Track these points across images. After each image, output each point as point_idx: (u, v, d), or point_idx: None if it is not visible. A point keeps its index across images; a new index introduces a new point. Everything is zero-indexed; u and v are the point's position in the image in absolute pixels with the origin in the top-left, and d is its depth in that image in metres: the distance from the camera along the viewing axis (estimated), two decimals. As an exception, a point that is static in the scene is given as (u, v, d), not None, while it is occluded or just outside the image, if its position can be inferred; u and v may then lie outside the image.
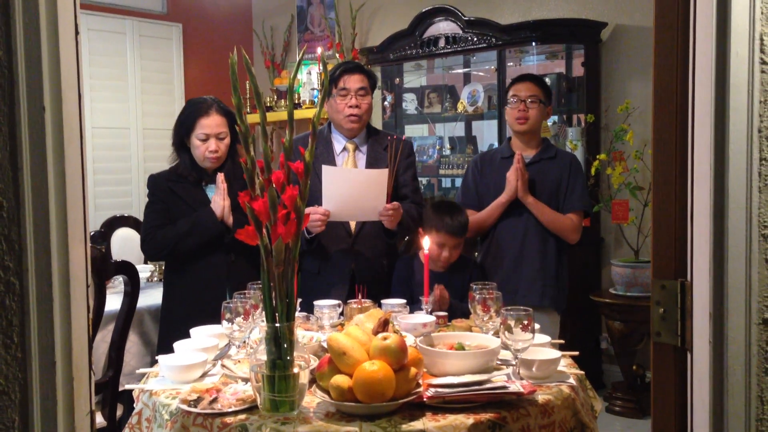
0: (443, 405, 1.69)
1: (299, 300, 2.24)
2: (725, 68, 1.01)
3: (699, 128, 1.07)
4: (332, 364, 1.71)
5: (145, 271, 3.63)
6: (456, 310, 2.57)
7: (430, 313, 2.28)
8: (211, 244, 2.72)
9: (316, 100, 5.54)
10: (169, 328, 2.72)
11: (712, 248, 1.03)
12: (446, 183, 5.16)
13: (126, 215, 4.28)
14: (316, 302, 2.38)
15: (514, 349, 1.89)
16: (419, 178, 3.88)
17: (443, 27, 4.75)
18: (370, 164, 2.85)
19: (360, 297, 2.41)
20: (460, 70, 5.28)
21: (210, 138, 2.74)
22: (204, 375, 2.00)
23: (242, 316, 2.03)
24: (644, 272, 3.93)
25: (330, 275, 2.80)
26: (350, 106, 2.80)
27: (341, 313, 2.39)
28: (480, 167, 3.08)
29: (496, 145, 4.45)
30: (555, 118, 4.53)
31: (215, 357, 2.11)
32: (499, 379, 1.82)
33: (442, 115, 5.11)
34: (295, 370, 1.67)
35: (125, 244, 4.11)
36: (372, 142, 2.91)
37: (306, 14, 6.10)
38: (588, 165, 4.25)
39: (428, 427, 1.60)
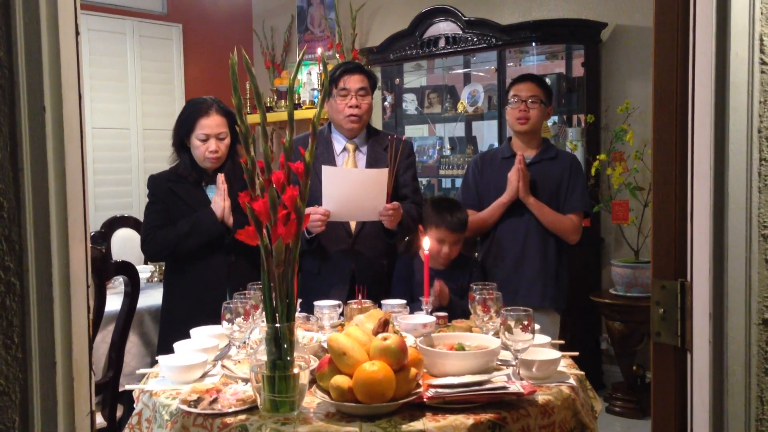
0: (443, 405, 1.69)
1: (299, 300, 2.24)
2: (725, 68, 1.01)
3: (699, 128, 1.07)
4: (332, 364, 1.71)
5: (145, 271, 3.63)
6: (456, 306, 2.58)
7: (430, 313, 2.28)
8: (212, 244, 2.72)
9: (316, 100, 5.54)
10: (169, 328, 2.71)
11: (712, 248, 1.03)
12: (446, 183, 5.16)
13: (126, 216, 4.28)
14: (316, 303, 2.38)
15: (514, 350, 1.89)
16: (419, 179, 3.88)
17: (443, 27, 4.76)
18: (370, 164, 2.85)
19: (360, 297, 2.41)
20: (460, 71, 5.28)
21: (210, 138, 2.74)
22: (204, 375, 2.00)
23: (242, 316, 2.03)
24: (644, 272, 3.93)
25: (330, 275, 2.80)
26: (350, 107, 2.80)
27: (341, 314, 2.39)
28: (480, 167, 3.09)
29: (496, 145, 4.45)
30: (555, 118, 4.53)
31: (215, 357, 2.11)
32: (499, 379, 1.82)
33: (442, 115, 5.11)
34: (295, 370, 1.67)
35: (125, 244, 4.11)
36: (372, 142, 2.91)
37: (306, 14, 6.10)
38: (588, 165, 4.25)
39: (428, 428, 1.60)
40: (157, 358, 2.19)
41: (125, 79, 5.72)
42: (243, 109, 1.69)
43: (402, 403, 1.67)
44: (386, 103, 5.29)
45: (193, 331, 2.27)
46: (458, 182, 4.65)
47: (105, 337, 2.82)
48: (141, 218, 3.21)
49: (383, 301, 2.42)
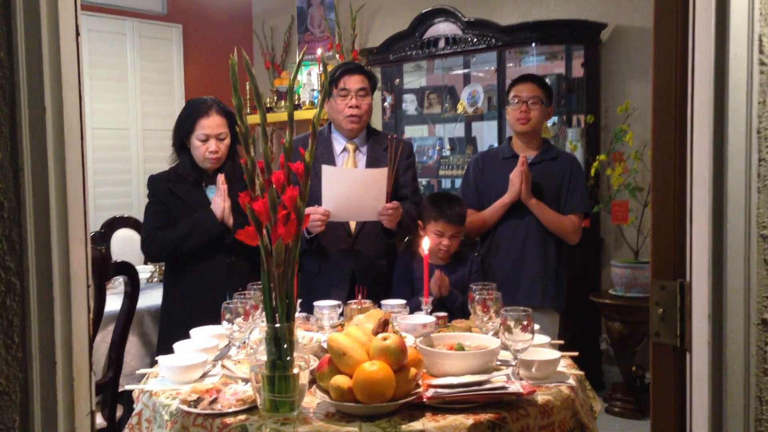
0: (443, 405, 1.69)
1: (299, 300, 2.24)
2: (724, 69, 1.01)
3: (698, 129, 1.08)
4: (332, 364, 1.71)
5: (145, 271, 3.63)
6: (455, 298, 2.58)
7: (430, 313, 2.28)
8: (212, 245, 2.72)
9: (316, 101, 5.54)
10: (169, 328, 2.72)
11: (711, 249, 1.03)
12: (446, 184, 5.16)
13: (126, 216, 4.29)
14: (316, 303, 2.38)
15: (514, 350, 1.89)
16: (419, 179, 3.88)
17: (443, 28, 4.76)
18: (370, 165, 2.85)
19: (360, 297, 2.42)
20: (460, 71, 5.28)
21: (210, 139, 2.74)
22: (204, 375, 2.00)
23: (242, 316, 2.04)
24: (644, 273, 3.93)
25: (330, 275, 2.80)
26: (350, 107, 2.80)
27: (341, 314, 2.39)
28: (481, 166, 3.09)
29: (495, 146, 4.45)
30: (555, 118, 4.52)
31: (215, 358, 2.11)
32: (498, 379, 1.82)
33: (441, 115, 5.11)
34: (295, 370, 1.67)
35: (125, 244, 4.11)
36: (372, 142, 2.91)
37: (306, 15, 6.10)
38: (588, 166, 4.25)
39: (428, 428, 1.60)
40: (156, 358, 2.19)
41: (125, 80, 5.72)
42: (243, 109, 1.69)
43: (402, 403, 1.67)
44: (386, 104, 5.29)
45: (192, 332, 2.27)
46: (458, 183, 4.65)
47: (105, 337, 2.83)
48: (141, 219, 3.21)
49: (383, 302, 2.43)
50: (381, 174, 2.66)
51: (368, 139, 2.91)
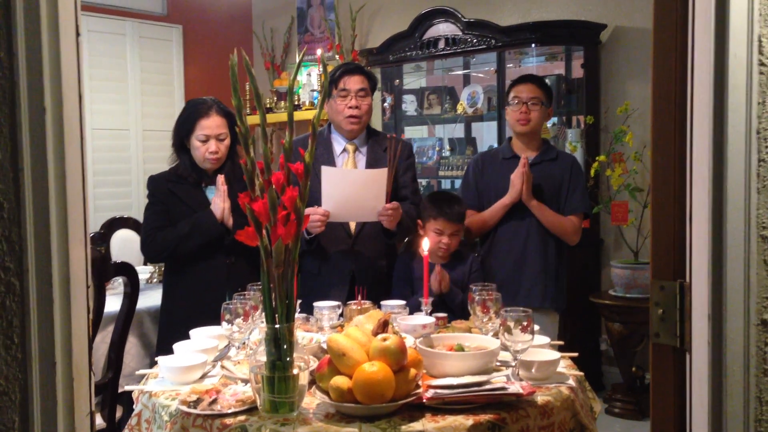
0: (443, 406, 1.69)
1: (299, 301, 2.24)
2: (724, 70, 1.01)
3: (698, 129, 1.08)
4: (332, 365, 1.71)
5: (144, 272, 3.63)
6: (455, 296, 2.59)
7: (430, 313, 2.28)
8: (211, 245, 2.72)
9: (315, 101, 5.54)
10: (169, 329, 2.71)
11: (710, 249, 1.03)
12: (446, 184, 5.16)
13: (126, 216, 4.28)
14: (315, 304, 2.38)
15: (514, 351, 1.89)
16: (419, 180, 3.88)
17: (443, 28, 4.76)
18: (370, 165, 2.85)
19: (360, 298, 2.42)
20: (460, 72, 5.28)
21: (210, 139, 2.74)
22: (204, 376, 2.00)
23: (242, 317, 2.04)
24: (644, 273, 3.93)
25: (330, 276, 2.80)
26: (350, 107, 2.80)
27: (341, 315, 2.39)
28: (481, 167, 3.09)
29: (495, 146, 4.45)
30: (554, 119, 4.53)
31: (215, 358, 2.11)
32: (498, 380, 1.82)
33: (441, 116, 5.11)
34: (295, 371, 1.67)
35: (125, 245, 4.11)
36: (372, 143, 2.91)
37: (306, 16, 6.10)
38: (587, 166, 4.25)
39: (428, 428, 1.60)
40: (156, 358, 2.19)
41: (125, 80, 5.72)
42: (243, 110, 1.69)
43: (401, 403, 1.67)
44: (386, 104, 5.29)
45: (192, 332, 2.27)
46: (458, 183, 4.65)
47: (104, 337, 2.82)
48: (141, 219, 3.21)
49: (383, 302, 2.43)
50: (381, 174, 2.66)
51: (368, 140, 2.91)
